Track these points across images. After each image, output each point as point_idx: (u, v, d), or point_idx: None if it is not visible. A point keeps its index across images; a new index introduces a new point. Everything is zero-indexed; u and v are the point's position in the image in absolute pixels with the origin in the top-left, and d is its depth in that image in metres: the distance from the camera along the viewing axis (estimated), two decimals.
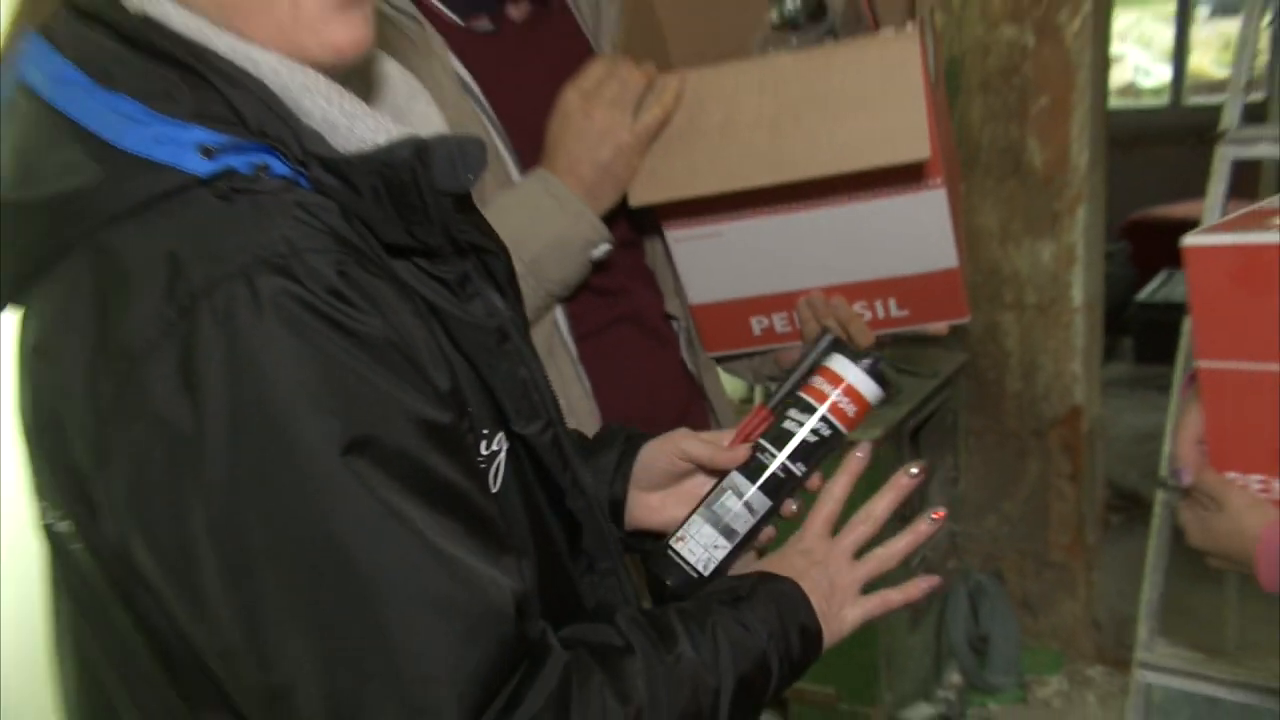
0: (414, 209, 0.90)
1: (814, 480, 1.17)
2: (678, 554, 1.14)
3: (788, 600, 1.06)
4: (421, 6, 1.41)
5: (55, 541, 0.96)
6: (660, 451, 1.22)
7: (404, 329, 0.87)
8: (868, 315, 1.53)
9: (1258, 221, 1.22)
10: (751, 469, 1.14)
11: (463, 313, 0.95)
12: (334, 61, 0.94)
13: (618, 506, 1.25)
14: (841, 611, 1.09)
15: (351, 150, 0.90)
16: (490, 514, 0.90)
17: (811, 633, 1.06)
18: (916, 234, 1.47)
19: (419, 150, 0.89)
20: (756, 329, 1.59)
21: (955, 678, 3.15)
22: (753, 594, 1.05)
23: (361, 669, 0.82)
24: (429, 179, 0.89)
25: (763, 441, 1.14)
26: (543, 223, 1.38)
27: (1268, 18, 2.96)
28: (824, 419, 1.13)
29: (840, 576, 1.10)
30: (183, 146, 0.85)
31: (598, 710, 0.88)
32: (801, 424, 1.14)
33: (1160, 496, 2.40)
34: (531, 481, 1.03)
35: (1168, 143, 5.56)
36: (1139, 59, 8.27)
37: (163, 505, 0.82)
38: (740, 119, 1.40)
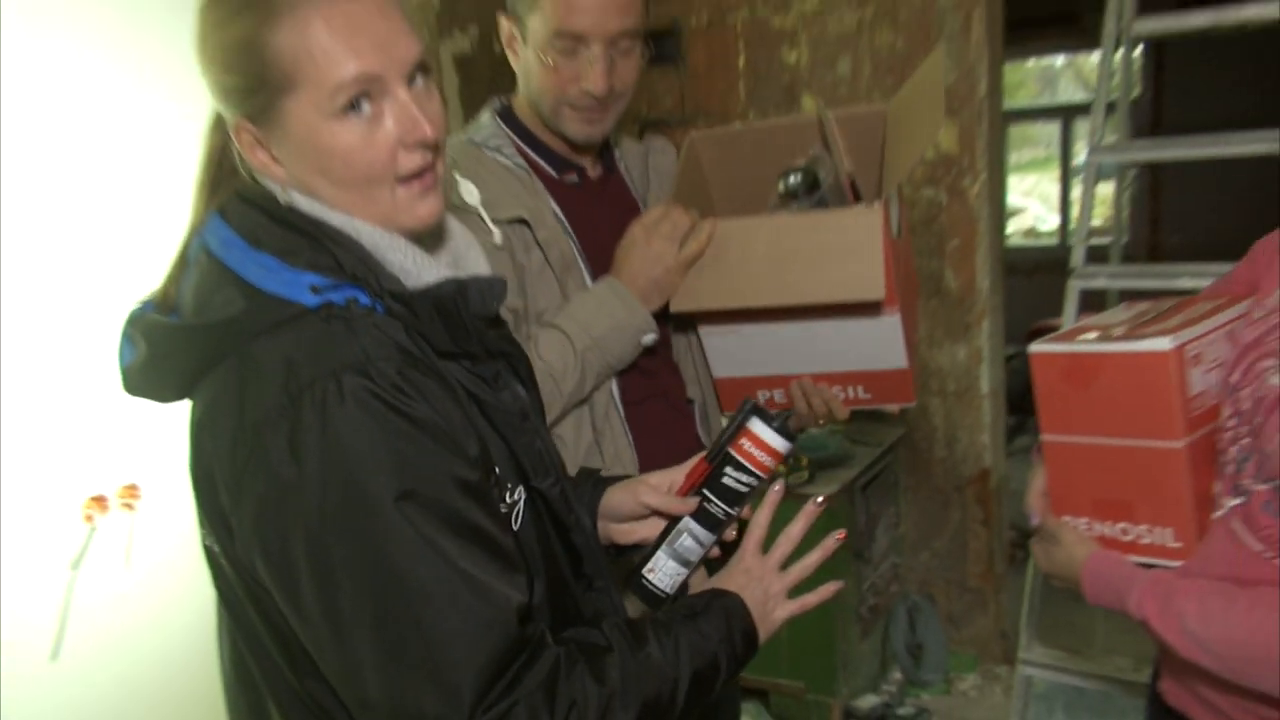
0: (457, 327, 0.96)
1: (745, 510, 1.16)
2: (650, 582, 1.14)
3: (732, 611, 1.06)
4: (531, 164, 1.48)
5: (210, 557, 1.01)
6: (626, 497, 1.20)
7: (444, 413, 0.91)
8: (841, 395, 1.55)
9: (1079, 335, 1.23)
10: (699, 514, 1.14)
11: (496, 400, 0.99)
12: (417, 230, 0.99)
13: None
14: (773, 614, 1.10)
15: (416, 287, 0.96)
16: (506, 545, 0.93)
17: (750, 634, 1.07)
18: (878, 345, 1.49)
19: (459, 287, 0.96)
20: (761, 399, 1.59)
21: (896, 675, 3.12)
22: (707, 608, 1.06)
23: (406, 653, 0.86)
24: (466, 306, 0.96)
25: (706, 491, 1.14)
26: (609, 312, 1.41)
27: (1127, 179, 3.05)
28: (748, 470, 1.13)
29: (771, 586, 1.11)
30: (300, 287, 0.92)
31: (579, 690, 0.90)
32: (733, 476, 1.13)
33: None
34: (545, 521, 1.03)
35: (1057, 271, 5.50)
36: (1037, 210, 8.23)
37: (275, 534, 0.88)
38: (752, 257, 1.44)
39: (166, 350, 0.96)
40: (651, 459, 1.45)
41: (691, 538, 1.14)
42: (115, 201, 1.89)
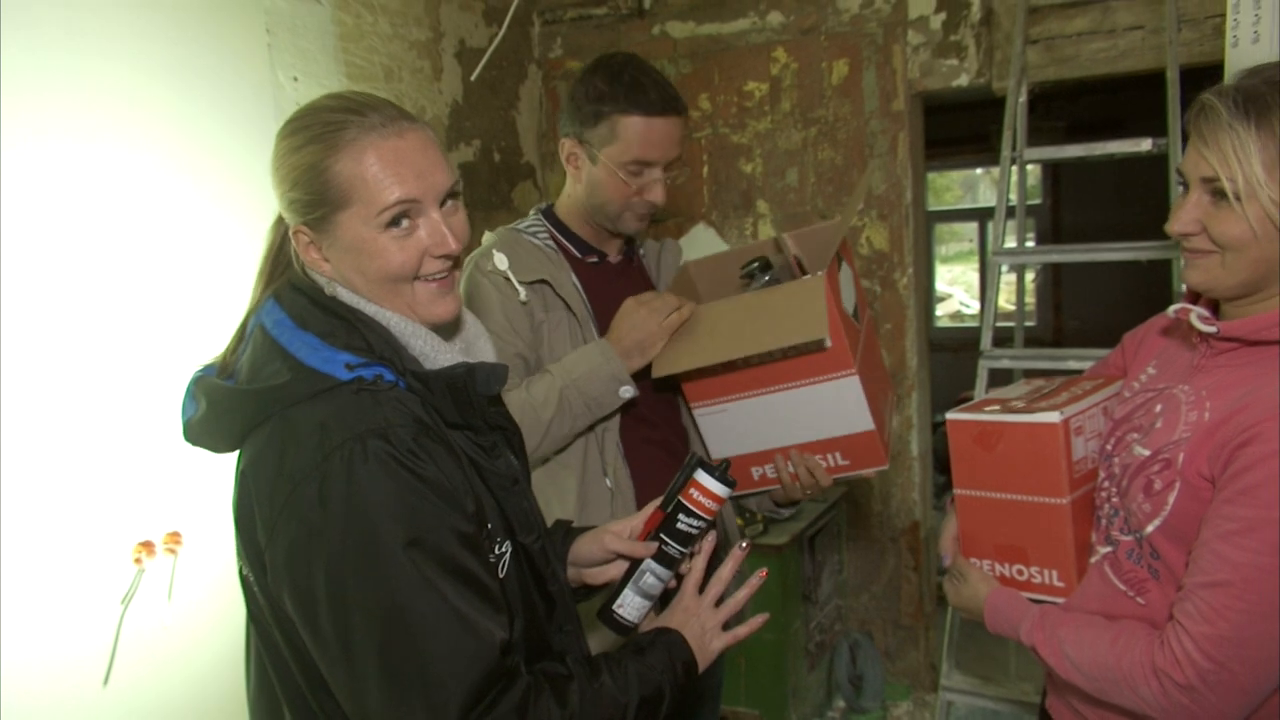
0: (465, 403, 1.00)
1: (701, 545, 1.19)
2: (620, 616, 1.18)
3: (674, 645, 1.09)
4: (560, 247, 1.60)
5: (245, 585, 1.03)
6: (593, 545, 1.22)
7: (449, 474, 0.95)
8: (824, 463, 1.53)
9: (987, 406, 1.27)
10: (658, 555, 1.17)
11: (492, 466, 1.04)
12: (436, 322, 1.05)
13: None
14: (710, 645, 1.13)
15: (432, 368, 1.01)
16: (493, 589, 0.96)
17: (690, 665, 1.10)
18: (844, 407, 1.47)
19: (469, 370, 1.01)
20: (755, 475, 1.59)
21: (840, 703, 3.13)
22: (652, 644, 1.09)
23: (404, 675, 0.89)
24: (474, 386, 1.00)
25: (662, 535, 1.17)
26: (589, 360, 1.48)
27: (1031, 274, 3.16)
28: (696, 515, 1.17)
29: (707, 622, 1.14)
30: (336, 364, 0.97)
31: (545, 713, 0.94)
32: (685, 521, 1.17)
33: None
34: (526, 571, 1.07)
35: (978, 349, 5.61)
36: (962, 297, 8.40)
37: (302, 569, 0.91)
38: (718, 328, 1.48)
39: (223, 409, 1.01)
40: (648, 495, 1.49)
41: (652, 575, 1.18)
42: (173, 281, 1.95)
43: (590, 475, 1.54)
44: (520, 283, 1.52)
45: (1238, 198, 1.01)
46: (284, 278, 1.06)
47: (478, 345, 1.14)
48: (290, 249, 1.05)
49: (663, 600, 1.21)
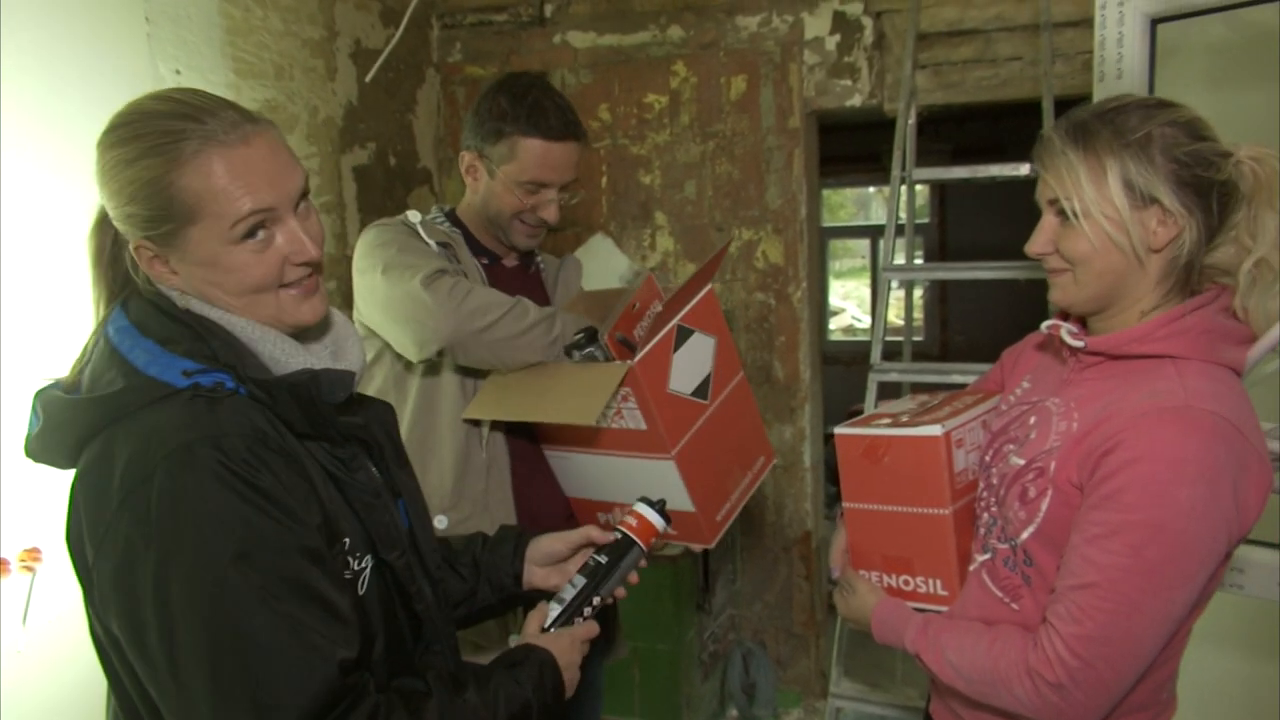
0: (313, 411, 0.96)
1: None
2: (551, 613, 1.18)
3: (547, 665, 1.09)
4: (462, 244, 1.62)
5: (87, 609, 0.97)
6: (558, 541, 1.27)
7: (288, 485, 0.90)
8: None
9: (876, 421, 1.29)
10: (582, 567, 1.22)
11: (351, 479, 1.00)
12: (303, 326, 1.01)
13: (518, 577, 1.27)
14: (571, 665, 1.13)
15: (278, 375, 0.97)
16: (339, 605, 0.90)
17: (560, 689, 1.09)
18: (666, 485, 1.49)
19: (313, 377, 0.96)
20: (600, 519, 1.61)
21: (733, 712, 3.14)
22: (525, 660, 1.07)
23: (236, 698, 0.84)
24: (319, 393, 0.96)
25: (593, 554, 1.23)
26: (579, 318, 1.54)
27: (919, 290, 3.27)
28: (624, 534, 1.23)
29: (576, 656, 1.14)
30: (173, 370, 0.92)
31: None
32: (615, 539, 1.23)
33: None
34: (390, 588, 1.03)
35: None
36: (854, 311, 8.66)
37: (128, 589, 0.86)
38: (532, 386, 1.49)
39: (58, 421, 0.96)
40: (524, 469, 1.59)
41: (570, 584, 1.21)
42: (39, 288, 1.82)
43: (469, 446, 1.57)
44: (429, 238, 1.57)
45: (1076, 215, 1.09)
46: (131, 286, 1.00)
47: (346, 346, 1.09)
48: (125, 255, 0.99)
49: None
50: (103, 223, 1.01)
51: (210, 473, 0.86)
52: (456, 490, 1.56)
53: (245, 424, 0.91)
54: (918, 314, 6.54)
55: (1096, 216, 1.08)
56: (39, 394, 1.00)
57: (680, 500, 1.50)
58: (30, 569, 1.79)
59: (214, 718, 0.85)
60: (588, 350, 1.49)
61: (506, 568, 1.27)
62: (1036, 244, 1.15)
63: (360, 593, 0.98)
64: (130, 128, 0.94)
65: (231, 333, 0.97)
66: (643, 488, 1.50)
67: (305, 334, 1.04)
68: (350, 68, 2.86)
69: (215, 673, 0.85)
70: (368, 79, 2.90)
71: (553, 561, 1.28)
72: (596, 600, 1.20)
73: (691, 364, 1.53)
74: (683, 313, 1.53)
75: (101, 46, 1.98)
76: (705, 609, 3.01)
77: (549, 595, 1.24)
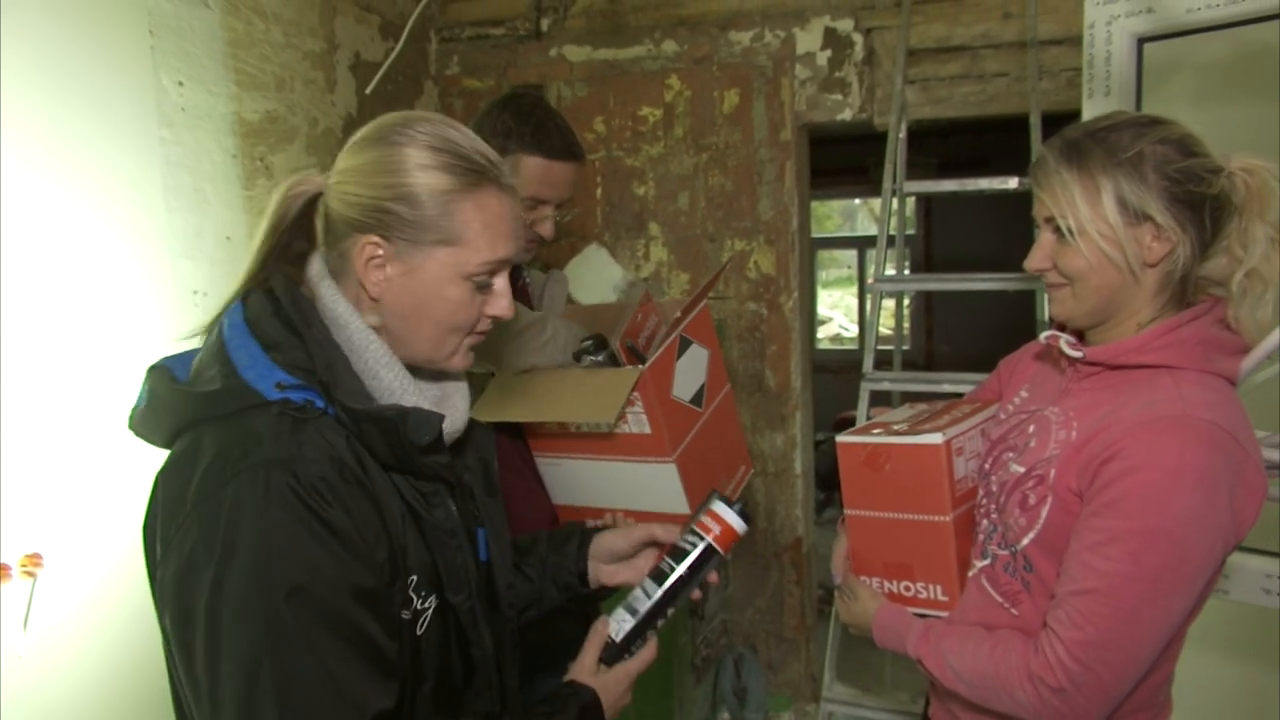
0: (399, 447, 0.93)
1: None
2: (623, 625, 1.11)
3: (588, 708, 1.05)
4: None
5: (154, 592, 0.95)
6: (620, 538, 1.22)
7: (359, 520, 0.88)
8: None
9: (876, 429, 1.29)
10: (653, 572, 1.14)
11: (430, 515, 0.98)
12: (451, 370, 1.03)
13: (583, 576, 1.23)
14: (620, 702, 1.10)
15: (377, 404, 0.95)
16: (386, 652, 0.88)
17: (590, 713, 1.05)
18: (663, 489, 1.48)
19: (401, 414, 0.93)
20: (590, 525, 1.56)
21: (725, 715, 3.13)
22: (566, 705, 1.03)
23: None
24: (405, 431, 0.93)
25: (666, 557, 1.14)
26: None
27: (907, 300, 3.29)
28: (698, 534, 1.13)
29: (624, 685, 1.10)
30: (268, 380, 0.90)
31: None
32: (686, 540, 1.14)
33: None
34: (450, 631, 1.01)
35: (858, 371, 5.77)
36: (842, 321, 8.68)
37: (184, 596, 0.85)
38: (538, 390, 1.49)
39: (160, 405, 0.96)
40: (509, 514, 1.47)
41: (642, 590, 1.13)
42: (45, 294, 1.81)
43: None
44: None
45: (1072, 233, 1.10)
46: (277, 270, 0.98)
47: (453, 400, 1.06)
48: (294, 243, 0.99)
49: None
50: (310, 201, 0.99)
51: (280, 497, 0.85)
52: None
53: (325, 450, 0.89)
54: (904, 323, 6.57)
55: (1092, 234, 1.09)
56: (151, 369, 0.99)
57: (677, 504, 1.50)
58: (31, 574, 1.77)
59: None
60: (599, 356, 1.50)
61: (571, 566, 1.24)
62: (1035, 260, 1.16)
63: (419, 632, 0.96)
64: (436, 146, 0.96)
65: (352, 353, 0.95)
66: (640, 492, 1.52)
67: (418, 373, 1.02)
68: (350, 80, 2.85)
69: (247, 702, 0.83)
70: (368, 90, 2.90)
71: (618, 559, 1.23)
72: (671, 612, 1.13)
73: (690, 373, 1.55)
74: (685, 324, 1.55)
75: (105, 58, 1.97)
76: (698, 614, 3.00)
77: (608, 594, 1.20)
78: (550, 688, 1.08)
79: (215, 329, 0.97)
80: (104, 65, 1.97)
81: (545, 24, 3.23)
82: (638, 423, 1.46)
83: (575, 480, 1.60)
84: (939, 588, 1.25)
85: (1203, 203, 1.08)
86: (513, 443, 1.61)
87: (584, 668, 1.10)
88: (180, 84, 2.18)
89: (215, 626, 0.83)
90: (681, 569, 1.12)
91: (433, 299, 0.97)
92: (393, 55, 2.97)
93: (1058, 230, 1.12)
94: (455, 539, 1.01)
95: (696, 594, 1.16)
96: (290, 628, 0.83)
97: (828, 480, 5.10)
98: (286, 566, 0.83)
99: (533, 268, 1.79)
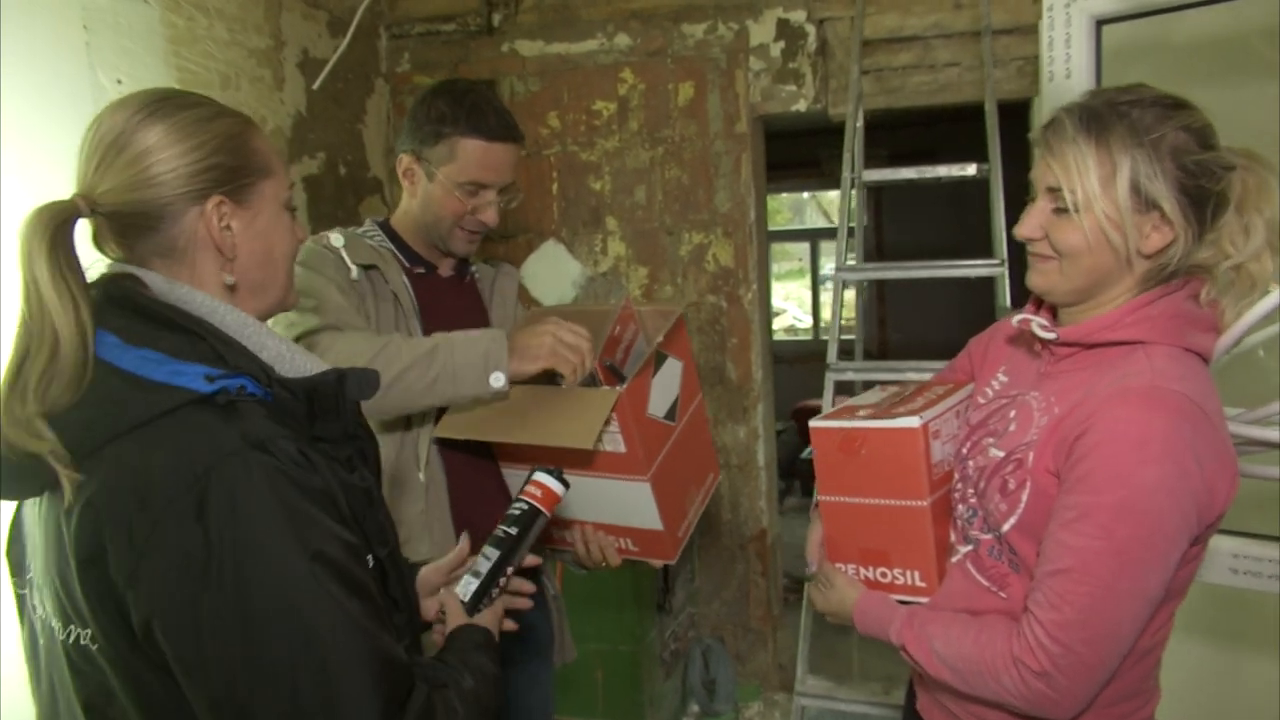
0: (330, 411, 0.92)
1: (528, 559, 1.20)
2: (468, 586, 1.16)
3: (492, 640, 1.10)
4: (392, 254, 1.57)
5: (76, 652, 0.88)
6: (431, 572, 1.23)
7: (330, 483, 0.89)
8: (617, 544, 1.55)
9: (849, 413, 1.26)
10: (490, 539, 1.19)
11: (349, 478, 0.95)
12: (287, 309, 1.04)
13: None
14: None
15: (288, 374, 0.93)
16: (381, 603, 0.91)
17: (493, 649, 1.09)
18: (638, 506, 1.47)
19: (340, 376, 0.94)
20: (556, 535, 1.59)
21: (694, 707, 3.12)
22: (486, 640, 1.08)
23: (314, 697, 0.81)
24: (344, 394, 0.93)
25: (501, 525, 1.20)
26: (473, 334, 1.41)
27: (862, 289, 3.28)
28: (525, 501, 1.19)
29: (498, 624, 1.15)
30: (191, 376, 0.85)
31: (444, 712, 0.91)
32: (517, 505, 1.19)
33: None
34: (387, 583, 1.01)
35: (812, 360, 5.78)
36: (796, 312, 8.71)
37: (182, 602, 0.80)
38: (511, 409, 1.44)
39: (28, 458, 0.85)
40: (461, 489, 1.54)
41: (483, 556, 1.19)
42: None
43: (404, 467, 1.50)
44: (353, 262, 1.50)
45: (1076, 209, 1.05)
46: (98, 288, 0.90)
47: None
48: (77, 255, 0.89)
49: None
50: (63, 224, 0.89)
51: (268, 477, 0.83)
52: (394, 513, 1.46)
53: (284, 427, 0.89)
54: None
55: (1098, 214, 1.04)
56: None
57: (650, 519, 1.49)
58: None
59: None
60: (586, 379, 1.45)
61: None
62: (1026, 228, 1.11)
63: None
64: (184, 98, 0.96)
65: (234, 334, 0.93)
66: (612, 507, 1.50)
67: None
68: (298, 77, 2.76)
69: (293, 676, 0.81)
70: (315, 87, 2.81)
71: (434, 592, 1.22)
72: (510, 570, 1.19)
73: (665, 388, 1.53)
74: (660, 338, 1.52)
75: (38, 54, 1.87)
76: (665, 609, 2.98)
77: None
78: (448, 637, 1.11)
79: (82, 369, 0.86)
80: (37, 62, 1.87)
81: (497, 19, 3.17)
82: (613, 442, 1.43)
83: None
84: (917, 573, 1.22)
85: (1208, 198, 1.04)
86: (471, 457, 1.56)
87: (456, 614, 1.15)
88: (119, 82, 2.08)
89: (236, 617, 0.80)
90: (512, 530, 1.19)
91: (274, 234, 0.98)
92: (339, 52, 2.88)
93: (1058, 200, 1.06)
94: (372, 498, 1.00)
95: (532, 559, 1.22)
96: (318, 593, 0.82)
97: (786, 469, 5.14)
98: (297, 540, 0.82)
99: (479, 260, 1.73)
